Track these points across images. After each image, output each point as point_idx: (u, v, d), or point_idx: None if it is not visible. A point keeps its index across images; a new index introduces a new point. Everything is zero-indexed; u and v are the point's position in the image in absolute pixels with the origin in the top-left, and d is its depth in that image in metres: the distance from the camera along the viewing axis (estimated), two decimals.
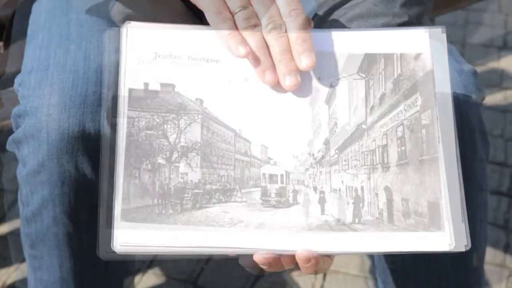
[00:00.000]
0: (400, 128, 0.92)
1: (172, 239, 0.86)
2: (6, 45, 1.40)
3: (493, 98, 2.36)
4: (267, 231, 0.87)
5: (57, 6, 1.24)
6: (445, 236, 0.88)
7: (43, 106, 1.06)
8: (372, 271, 1.79)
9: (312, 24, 0.96)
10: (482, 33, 2.71)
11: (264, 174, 0.91)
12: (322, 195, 0.91)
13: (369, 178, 0.91)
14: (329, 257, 0.89)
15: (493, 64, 2.55)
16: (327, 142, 0.92)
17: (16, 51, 1.38)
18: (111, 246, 0.86)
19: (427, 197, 0.89)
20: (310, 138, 0.92)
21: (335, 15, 1.03)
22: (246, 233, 0.87)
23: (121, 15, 1.25)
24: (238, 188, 0.90)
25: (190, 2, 0.98)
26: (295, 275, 1.77)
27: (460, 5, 1.89)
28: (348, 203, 0.90)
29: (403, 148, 0.91)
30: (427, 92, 0.92)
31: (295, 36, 0.91)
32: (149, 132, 0.90)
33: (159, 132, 0.90)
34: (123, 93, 0.91)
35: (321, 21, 1.04)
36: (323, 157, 0.92)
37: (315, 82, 0.93)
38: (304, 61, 0.91)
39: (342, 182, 0.91)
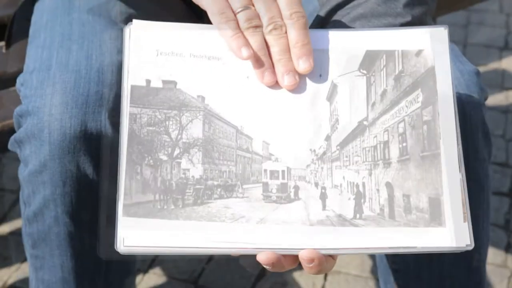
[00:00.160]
0: (402, 124, 0.93)
1: (174, 237, 0.86)
2: (8, 45, 1.40)
3: (494, 99, 2.36)
4: (269, 226, 0.88)
5: (59, 6, 1.24)
6: (446, 232, 0.88)
7: (45, 106, 1.06)
8: (374, 271, 1.79)
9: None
10: (483, 34, 2.71)
11: (265, 170, 0.92)
12: (323, 190, 0.91)
13: (370, 174, 0.91)
14: (332, 257, 0.89)
15: (494, 65, 2.55)
16: (328, 139, 0.93)
17: (18, 51, 1.38)
18: (115, 247, 0.86)
19: (428, 193, 0.90)
20: (312, 134, 0.93)
21: (337, 15, 1.04)
22: (247, 228, 0.87)
23: (123, 15, 1.25)
24: (239, 184, 0.91)
25: (192, 2, 0.98)
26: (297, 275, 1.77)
27: (461, 5, 1.90)
28: (349, 199, 0.90)
29: (404, 144, 0.92)
30: (428, 88, 0.93)
31: (295, 40, 0.92)
32: (151, 128, 0.90)
33: (161, 129, 0.91)
34: (126, 91, 0.91)
35: (323, 21, 1.04)
36: (324, 153, 0.92)
37: (316, 79, 0.94)
38: (302, 65, 0.92)
39: (344, 178, 0.92)
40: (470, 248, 0.88)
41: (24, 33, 1.35)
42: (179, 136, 0.91)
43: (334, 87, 0.94)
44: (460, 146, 0.92)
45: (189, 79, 0.93)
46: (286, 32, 0.93)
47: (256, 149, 0.92)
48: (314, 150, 0.92)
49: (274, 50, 0.92)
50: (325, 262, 0.87)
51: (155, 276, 1.78)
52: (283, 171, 0.92)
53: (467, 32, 2.71)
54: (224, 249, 0.87)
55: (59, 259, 1.15)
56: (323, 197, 0.91)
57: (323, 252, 0.87)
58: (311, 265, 0.86)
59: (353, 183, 0.91)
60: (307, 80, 0.93)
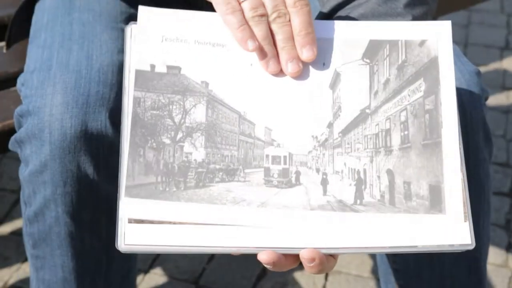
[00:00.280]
0: (404, 113, 0.94)
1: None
2: (9, 45, 1.40)
3: (495, 99, 2.36)
4: (270, 210, 0.88)
5: (59, 6, 1.24)
6: (446, 219, 0.89)
7: (45, 106, 1.06)
8: (374, 271, 1.79)
9: None
10: (484, 34, 2.71)
11: (267, 156, 0.93)
12: (324, 176, 0.92)
13: (371, 161, 0.92)
14: (333, 256, 0.89)
15: (495, 65, 2.55)
16: (330, 126, 0.94)
17: (19, 51, 1.39)
18: (116, 245, 0.86)
19: (428, 181, 0.90)
20: (314, 121, 0.94)
21: (338, 15, 1.04)
22: (248, 211, 0.88)
23: (123, 15, 1.25)
24: (241, 168, 0.92)
25: (192, 0, 0.98)
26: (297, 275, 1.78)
27: (462, 5, 1.90)
28: (350, 185, 0.91)
29: (406, 132, 0.93)
30: (431, 78, 0.94)
31: (299, 28, 0.93)
32: (154, 112, 0.91)
33: (165, 113, 0.92)
34: (128, 74, 0.92)
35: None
36: (326, 140, 0.93)
37: (320, 68, 0.95)
38: (306, 54, 0.93)
39: (345, 164, 0.93)
40: (471, 247, 0.89)
41: (24, 33, 1.36)
42: (182, 120, 0.92)
43: (337, 75, 0.95)
44: (461, 146, 0.92)
45: (194, 65, 0.94)
46: (290, 20, 0.94)
47: (258, 134, 0.93)
48: (316, 137, 0.93)
49: (278, 38, 0.93)
50: (326, 262, 0.87)
51: (156, 276, 1.78)
52: (285, 157, 0.93)
53: (468, 32, 2.72)
54: (225, 248, 0.87)
55: (60, 259, 1.15)
56: (324, 182, 0.92)
57: (324, 251, 0.87)
58: (312, 265, 0.86)
59: (354, 169, 0.92)
60: (311, 68, 0.95)
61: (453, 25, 0.97)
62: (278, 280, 1.76)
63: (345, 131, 0.94)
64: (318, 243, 0.87)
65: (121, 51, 1.12)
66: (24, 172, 1.11)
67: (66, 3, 1.24)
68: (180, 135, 0.91)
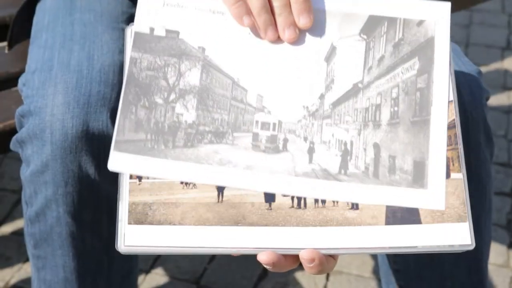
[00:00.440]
0: (395, 90, 0.95)
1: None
2: (10, 45, 1.41)
3: (496, 99, 2.36)
4: (255, 173, 0.90)
5: (61, 7, 1.24)
6: (427, 195, 0.90)
7: (47, 106, 1.06)
8: (375, 271, 1.79)
9: None
10: (485, 34, 2.71)
11: (257, 122, 0.94)
12: (311, 145, 0.93)
13: (359, 134, 0.93)
14: (332, 257, 0.89)
15: (496, 65, 2.55)
16: (322, 97, 0.95)
17: (20, 51, 1.39)
18: (116, 246, 0.86)
19: (414, 156, 0.91)
20: (306, 92, 0.95)
21: None
22: (234, 172, 0.89)
23: (124, 16, 1.25)
24: (230, 132, 0.93)
25: None
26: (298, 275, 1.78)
27: (463, 5, 1.89)
28: (336, 155, 0.92)
29: (396, 108, 0.94)
30: (425, 57, 0.95)
31: None
32: (150, 72, 0.93)
33: (160, 74, 0.93)
34: (129, 38, 0.94)
35: None
36: (316, 110, 0.95)
37: (316, 40, 0.96)
38: (302, 21, 0.94)
39: (333, 135, 0.94)
40: (471, 248, 0.89)
41: (26, 34, 1.36)
42: (176, 83, 0.93)
43: (333, 49, 0.96)
44: (462, 146, 0.92)
45: (192, 30, 0.95)
46: None
47: (250, 100, 0.94)
48: (307, 107, 0.95)
49: (276, 5, 0.94)
50: (326, 262, 0.87)
51: (157, 276, 1.78)
52: (274, 124, 0.94)
53: (469, 32, 2.71)
54: (224, 249, 0.87)
55: (61, 259, 1.15)
56: (311, 151, 0.93)
57: (324, 252, 0.87)
58: (311, 265, 0.86)
59: (342, 140, 0.93)
60: (307, 40, 0.96)
61: (454, 25, 0.97)
62: (279, 280, 1.77)
63: (336, 104, 0.95)
64: (317, 243, 0.88)
65: (122, 51, 1.12)
66: (25, 172, 1.11)
67: (67, 4, 1.24)
68: (173, 96, 0.93)
